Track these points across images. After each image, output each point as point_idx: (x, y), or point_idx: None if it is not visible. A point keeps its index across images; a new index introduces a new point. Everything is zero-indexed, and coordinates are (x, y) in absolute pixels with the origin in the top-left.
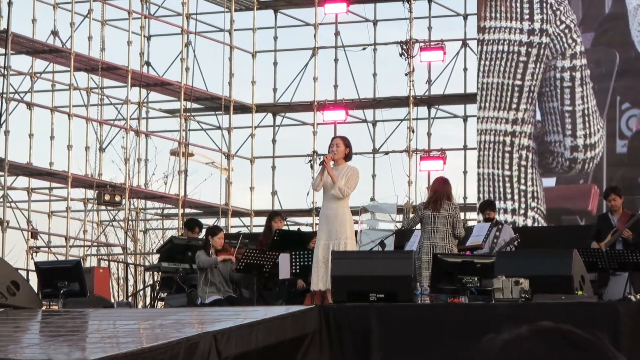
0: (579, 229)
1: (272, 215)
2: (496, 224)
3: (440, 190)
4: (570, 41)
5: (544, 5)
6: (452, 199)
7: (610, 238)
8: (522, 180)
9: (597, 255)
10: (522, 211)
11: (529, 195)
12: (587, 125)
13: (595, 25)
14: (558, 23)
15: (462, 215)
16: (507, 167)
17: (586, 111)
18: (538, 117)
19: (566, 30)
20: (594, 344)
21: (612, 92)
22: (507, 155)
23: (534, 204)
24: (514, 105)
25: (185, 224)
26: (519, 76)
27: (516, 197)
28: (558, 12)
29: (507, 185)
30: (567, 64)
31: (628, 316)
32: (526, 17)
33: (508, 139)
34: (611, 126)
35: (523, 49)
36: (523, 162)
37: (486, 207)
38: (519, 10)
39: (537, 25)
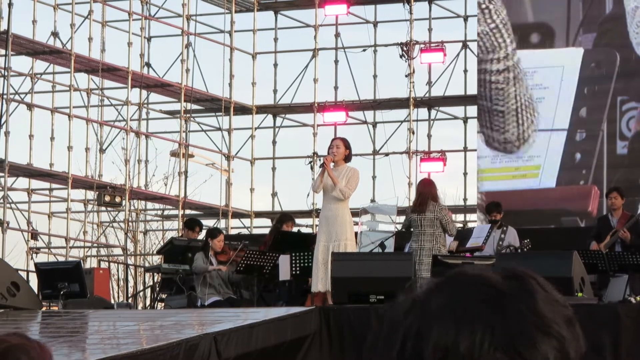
0: (579, 231)
1: (284, 218)
2: (501, 227)
3: (424, 192)
4: (500, 40)
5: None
6: (438, 200)
7: (609, 239)
8: None
9: (597, 257)
10: None
11: None
12: (519, 122)
13: (596, 26)
14: (489, 22)
15: (462, 216)
16: None
17: (519, 109)
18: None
19: (494, 30)
20: (512, 302)
21: (613, 93)
22: None
23: None
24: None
25: (186, 223)
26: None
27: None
28: (487, 11)
29: None
30: (500, 67)
31: (628, 318)
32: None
33: None
34: (611, 127)
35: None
36: None
37: (493, 208)
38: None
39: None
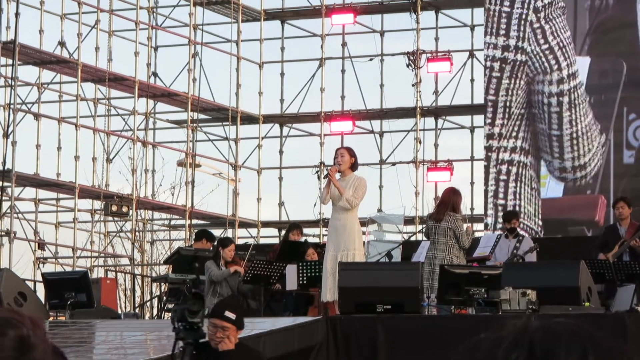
0: (586, 240)
1: (291, 227)
2: (516, 236)
3: (446, 200)
4: (552, 62)
5: (522, 22)
6: (458, 210)
7: (618, 249)
8: (501, 195)
9: (604, 267)
10: (499, 225)
11: (509, 208)
12: (575, 147)
13: (602, 34)
14: (541, 42)
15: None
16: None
17: (574, 134)
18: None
19: (547, 51)
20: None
21: (619, 102)
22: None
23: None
24: (488, 121)
25: (195, 234)
26: (491, 91)
27: (490, 211)
28: (539, 31)
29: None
30: (554, 90)
31: (636, 327)
32: (502, 32)
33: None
34: (618, 137)
35: (496, 65)
36: (503, 177)
37: (512, 216)
38: (495, 25)
39: (512, 42)
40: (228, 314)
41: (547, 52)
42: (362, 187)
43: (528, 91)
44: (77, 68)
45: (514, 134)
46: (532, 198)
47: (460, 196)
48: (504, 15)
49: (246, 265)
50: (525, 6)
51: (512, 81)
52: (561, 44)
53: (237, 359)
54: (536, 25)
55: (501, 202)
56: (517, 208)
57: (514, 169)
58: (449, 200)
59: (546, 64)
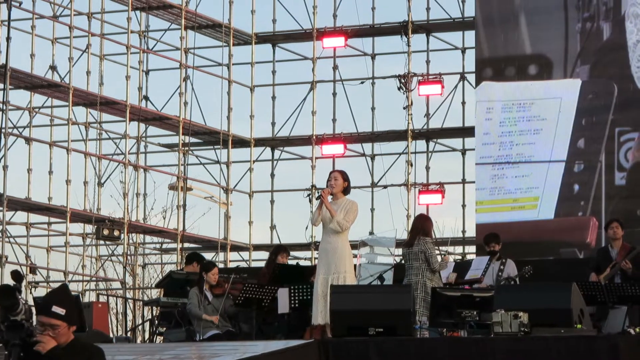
0: (577, 262)
1: (278, 249)
2: (500, 259)
3: (417, 226)
4: None
5: None
6: (429, 235)
7: (609, 271)
8: None
9: (596, 289)
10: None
11: None
12: None
13: (593, 57)
14: None
15: (460, 248)
16: None
17: None
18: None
19: None
20: None
21: (611, 124)
22: None
23: None
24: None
25: (186, 258)
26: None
27: None
28: None
29: None
30: None
31: (628, 349)
32: None
33: None
34: (609, 158)
35: None
36: None
37: (491, 239)
38: None
39: None
40: (56, 309)
41: None
42: (354, 210)
43: None
44: (69, 92)
45: None
46: None
47: (431, 221)
48: None
49: (235, 288)
50: None
51: None
52: None
53: (71, 357)
54: None
55: None
56: None
57: None
58: (420, 226)
59: None
